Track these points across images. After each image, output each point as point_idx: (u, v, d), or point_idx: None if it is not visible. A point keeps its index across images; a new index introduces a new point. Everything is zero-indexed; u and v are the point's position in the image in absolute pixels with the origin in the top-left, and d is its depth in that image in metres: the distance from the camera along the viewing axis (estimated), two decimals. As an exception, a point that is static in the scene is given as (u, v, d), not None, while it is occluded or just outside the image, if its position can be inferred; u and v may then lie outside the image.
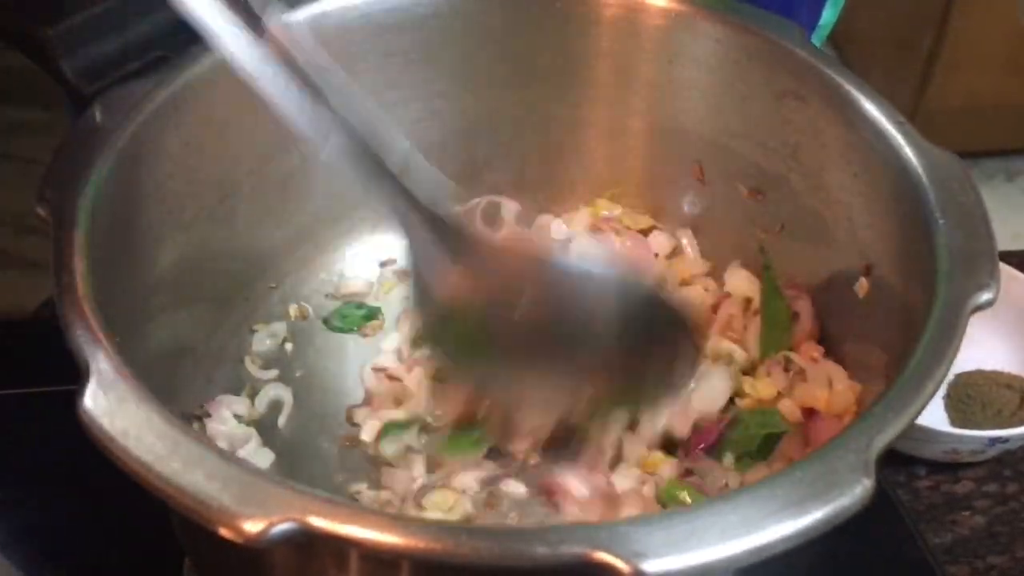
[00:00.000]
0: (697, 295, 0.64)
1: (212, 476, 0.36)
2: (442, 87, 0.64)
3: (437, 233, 0.52)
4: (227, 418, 0.57)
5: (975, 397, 0.67)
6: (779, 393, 0.58)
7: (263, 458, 0.57)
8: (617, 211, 0.67)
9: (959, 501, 0.65)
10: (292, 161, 0.62)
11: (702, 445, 0.57)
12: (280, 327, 0.64)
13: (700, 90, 0.62)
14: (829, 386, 0.56)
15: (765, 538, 0.35)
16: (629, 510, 0.55)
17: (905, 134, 0.52)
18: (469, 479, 0.57)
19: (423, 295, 0.54)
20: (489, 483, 0.57)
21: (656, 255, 0.66)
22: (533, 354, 0.54)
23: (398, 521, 0.36)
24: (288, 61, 0.46)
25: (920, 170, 0.51)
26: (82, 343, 0.41)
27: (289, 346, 0.63)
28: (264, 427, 0.59)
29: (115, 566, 0.58)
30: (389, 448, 0.57)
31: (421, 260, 0.52)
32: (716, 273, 0.64)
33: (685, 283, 0.64)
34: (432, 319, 0.54)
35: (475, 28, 0.62)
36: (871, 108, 0.54)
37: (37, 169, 0.48)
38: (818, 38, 0.80)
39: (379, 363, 0.62)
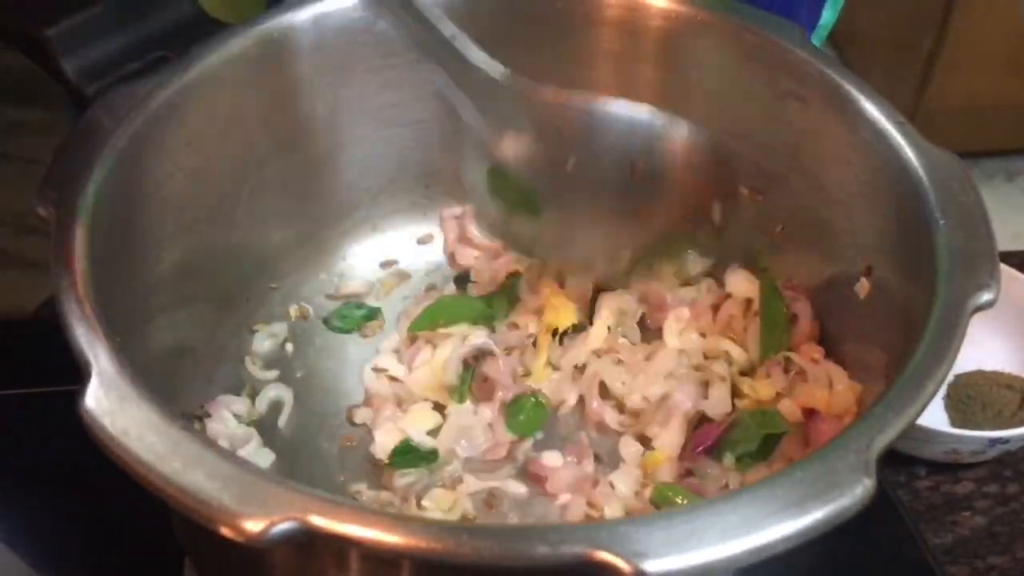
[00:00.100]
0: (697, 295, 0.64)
1: (213, 476, 0.36)
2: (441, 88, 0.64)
3: (488, 93, 0.55)
4: (227, 418, 0.57)
5: (975, 398, 0.67)
6: (778, 394, 0.58)
7: (263, 458, 0.57)
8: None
9: (959, 501, 0.65)
10: (293, 161, 0.62)
11: (702, 446, 0.57)
12: (280, 327, 0.64)
13: (700, 90, 0.62)
14: (829, 386, 0.56)
15: (765, 538, 0.35)
16: (618, 494, 0.56)
17: (905, 134, 0.52)
18: (471, 479, 0.57)
19: (476, 158, 0.57)
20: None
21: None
22: (581, 206, 0.58)
23: (398, 521, 0.36)
24: None
25: (920, 170, 0.51)
26: (83, 343, 0.41)
27: (289, 346, 0.63)
28: (264, 427, 0.59)
29: (115, 566, 0.58)
30: (402, 480, 0.57)
31: (473, 123, 0.56)
32: (716, 273, 0.64)
33: (686, 283, 0.64)
34: (487, 177, 0.58)
35: (475, 28, 0.62)
36: (871, 108, 0.54)
37: (37, 169, 0.49)
38: (818, 38, 0.80)
39: (379, 363, 0.62)
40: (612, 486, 0.56)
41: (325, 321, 0.65)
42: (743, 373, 0.61)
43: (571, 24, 0.63)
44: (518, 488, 0.57)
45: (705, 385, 0.60)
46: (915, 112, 1.81)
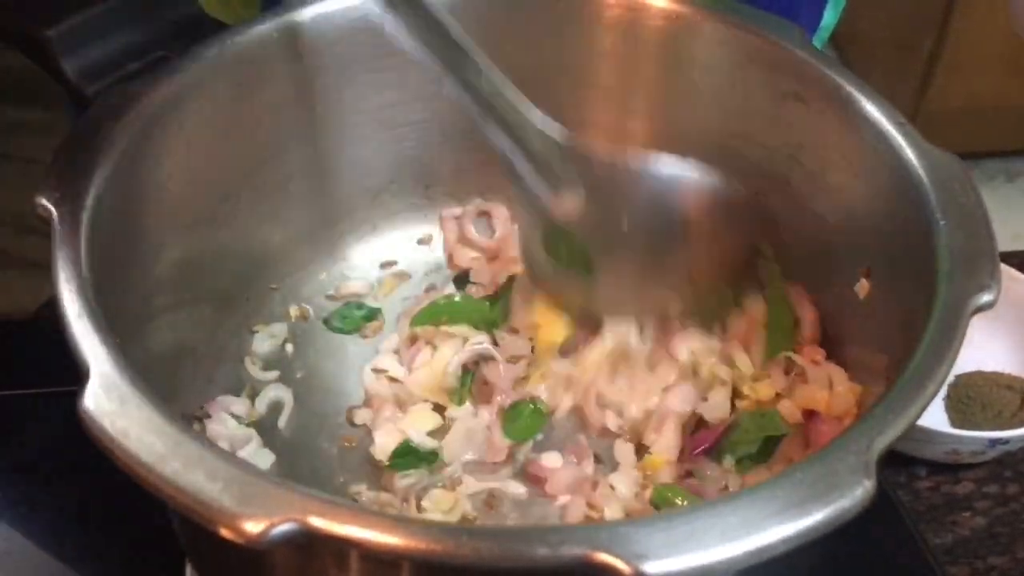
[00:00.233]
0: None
1: (213, 476, 0.36)
2: (442, 89, 0.64)
3: (547, 154, 0.55)
4: (227, 419, 0.57)
5: (975, 398, 0.67)
6: (778, 394, 0.58)
7: (263, 459, 0.57)
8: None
9: (959, 502, 0.65)
10: (292, 162, 0.62)
11: (699, 449, 0.56)
12: (280, 328, 0.64)
13: (701, 91, 0.62)
14: (830, 388, 0.56)
15: (766, 539, 0.35)
16: (618, 495, 0.55)
17: (906, 135, 0.52)
18: (471, 480, 0.57)
19: (531, 217, 0.58)
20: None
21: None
22: (633, 265, 0.59)
23: (398, 522, 0.36)
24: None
25: (921, 171, 0.51)
26: (83, 344, 0.41)
27: (289, 347, 0.63)
28: (264, 428, 0.59)
29: (115, 566, 0.58)
30: (402, 482, 0.57)
31: (531, 182, 0.56)
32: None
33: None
34: (544, 238, 0.58)
35: (475, 29, 0.62)
36: (872, 109, 0.54)
37: (37, 169, 0.48)
38: (819, 40, 0.80)
39: (379, 364, 0.62)
40: (612, 487, 0.56)
41: (325, 321, 0.65)
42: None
43: (571, 24, 0.63)
44: (518, 489, 0.57)
45: (704, 386, 0.60)
46: (916, 113, 1.81)
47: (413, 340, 0.62)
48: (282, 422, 0.60)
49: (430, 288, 0.67)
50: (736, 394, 0.59)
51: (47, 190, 0.47)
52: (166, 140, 0.53)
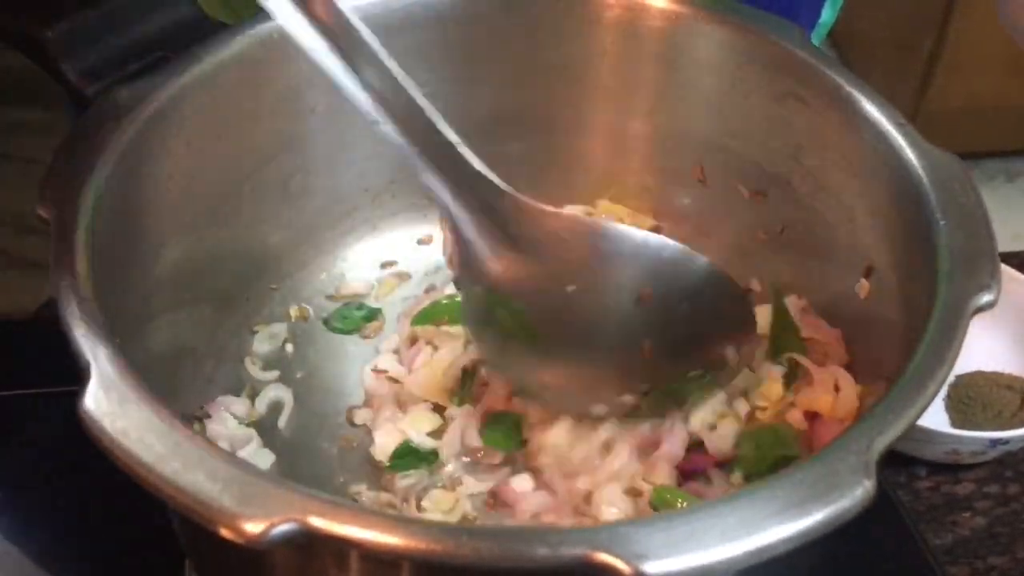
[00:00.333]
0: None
1: (213, 477, 0.36)
2: (441, 89, 0.63)
3: (489, 208, 0.51)
4: (227, 419, 0.57)
5: (976, 398, 0.67)
6: (783, 396, 0.58)
7: (263, 459, 0.57)
8: (619, 212, 0.67)
9: (960, 502, 0.65)
10: (293, 162, 0.62)
11: (693, 469, 0.56)
12: (281, 328, 0.64)
13: (701, 91, 0.62)
14: (835, 390, 0.55)
15: (766, 539, 0.35)
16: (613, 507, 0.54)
17: (906, 135, 0.52)
18: (471, 480, 0.57)
19: (470, 277, 0.52)
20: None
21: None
22: (582, 338, 0.53)
23: (399, 522, 0.36)
24: (336, 35, 0.47)
25: (921, 171, 0.50)
26: (83, 344, 0.41)
27: (289, 347, 0.63)
28: (264, 428, 0.59)
29: (115, 566, 0.58)
30: (402, 482, 0.57)
31: (471, 239, 0.51)
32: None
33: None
34: (479, 302, 0.53)
35: (475, 29, 0.62)
36: (872, 109, 0.54)
37: (37, 169, 0.48)
38: (817, 37, 0.80)
39: (379, 364, 0.62)
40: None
41: (325, 322, 0.65)
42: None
43: (571, 24, 0.63)
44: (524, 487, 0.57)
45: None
46: (916, 113, 1.81)
47: (413, 340, 0.62)
48: (282, 422, 0.60)
49: (430, 288, 0.67)
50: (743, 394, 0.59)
51: (47, 190, 0.47)
52: (166, 140, 0.53)
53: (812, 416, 0.56)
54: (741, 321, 0.54)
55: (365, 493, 0.56)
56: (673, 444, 0.55)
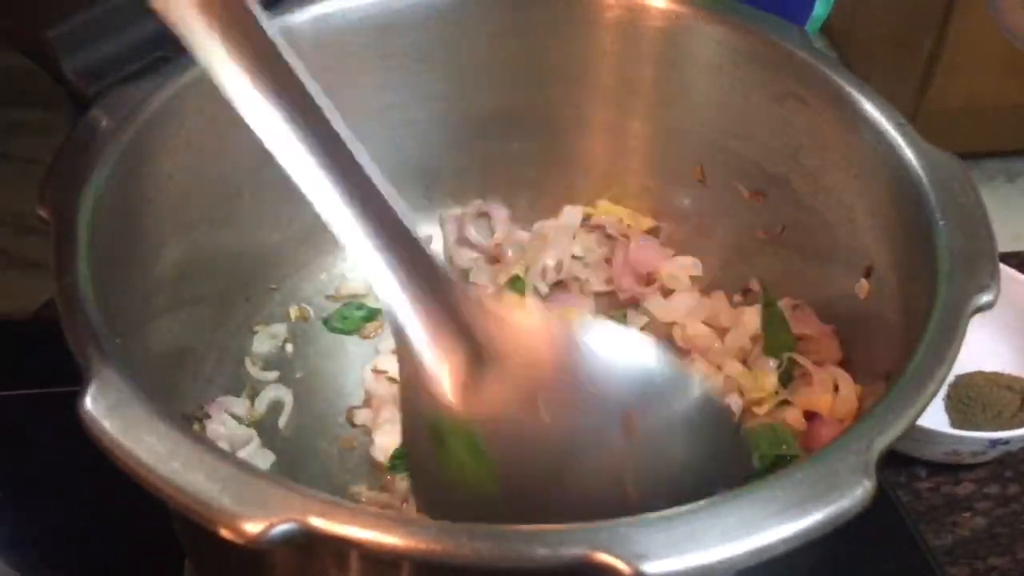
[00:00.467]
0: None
1: (212, 477, 0.36)
2: (442, 89, 0.64)
3: (451, 314, 0.42)
4: (227, 419, 0.57)
5: (975, 399, 0.67)
6: (777, 392, 0.58)
7: (263, 459, 0.57)
8: (619, 212, 0.67)
9: (960, 502, 0.65)
10: (293, 162, 0.62)
11: None
12: (280, 328, 0.64)
13: (701, 91, 0.62)
14: (834, 390, 0.55)
15: (766, 539, 0.35)
16: None
17: (905, 135, 0.52)
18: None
19: (418, 400, 0.43)
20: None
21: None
22: (551, 475, 0.44)
23: (398, 522, 0.36)
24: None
25: (920, 171, 0.50)
26: (83, 344, 0.41)
27: (289, 347, 0.63)
28: (264, 428, 0.59)
29: (115, 566, 0.58)
30: (403, 482, 0.57)
31: (426, 351, 0.42)
32: (713, 274, 0.64)
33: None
34: (427, 432, 0.43)
35: (475, 30, 0.62)
36: (872, 109, 0.54)
37: (37, 169, 0.48)
38: (811, 29, 0.80)
39: (379, 364, 0.62)
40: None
41: (325, 322, 0.65)
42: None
43: (571, 24, 0.63)
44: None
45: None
46: (916, 113, 1.81)
47: (413, 340, 0.62)
48: (282, 422, 0.60)
49: (430, 288, 0.67)
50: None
51: (47, 190, 0.47)
52: (166, 140, 0.53)
53: (811, 416, 0.56)
54: (736, 461, 0.47)
55: (365, 493, 0.56)
56: None
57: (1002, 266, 0.47)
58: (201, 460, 0.37)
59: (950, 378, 0.56)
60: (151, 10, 0.39)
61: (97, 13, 0.52)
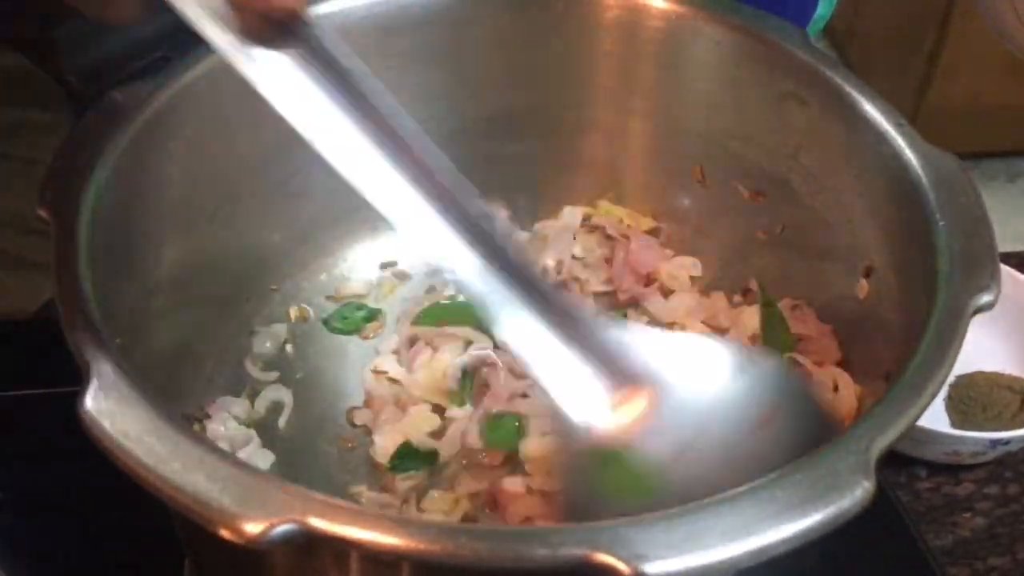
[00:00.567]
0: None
1: (212, 477, 0.36)
2: (442, 89, 0.64)
3: (597, 348, 0.43)
4: (227, 419, 0.57)
5: (976, 399, 0.67)
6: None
7: (263, 459, 0.57)
8: (619, 212, 0.67)
9: (960, 502, 0.65)
10: (293, 162, 0.62)
11: None
12: (280, 329, 0.64)
13: (701, 92, 0.62)
14: (834, 391, 0.55)
15: (766, 540, 0.35)
16: None
17: (906, 136, 0.52)
18: (471, 481, 0.57)
19: (572, 437, 0.44)
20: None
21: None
22: (697, 477, 0.45)
23: (398, 523, 0.36)
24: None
25: (921, 171, 0.50)
26: (83, 344, 0.41)
27: (289, 348, 0.63)
28: (264, 428, 0.59)
29: (115, 566, 0.58)
30: (403, 483, 0.57)
31: (574, 393, 0.43)
32: (713, 274, 0.64)
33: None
34: (583, 464, 0.45)
35: (475, 30, 0.62)
36: (872, 110, 0.54)
37: (37, 169, 0.49)
38: (812, 31, 0.80)
39: (379, 365, 0.62)
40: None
41: (325, 322, 0.65)
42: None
43: (571, 24, 0.63)
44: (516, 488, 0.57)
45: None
46: (916, 113, 1.81)
47: (413, 341, 0.62)
48: (282, 423, 0.60)
49: (430, 289, 0.67)
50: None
51: (47, 190, 0.47)
52: (166, 140, 0.53)
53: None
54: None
55: (365, 494, 0.56)
56: None
57: (1002, 266, 0.47)
58: (201, 460, 0.37)
59: (950, 378, 0.56)
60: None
61: (98, 14, 0.52)
